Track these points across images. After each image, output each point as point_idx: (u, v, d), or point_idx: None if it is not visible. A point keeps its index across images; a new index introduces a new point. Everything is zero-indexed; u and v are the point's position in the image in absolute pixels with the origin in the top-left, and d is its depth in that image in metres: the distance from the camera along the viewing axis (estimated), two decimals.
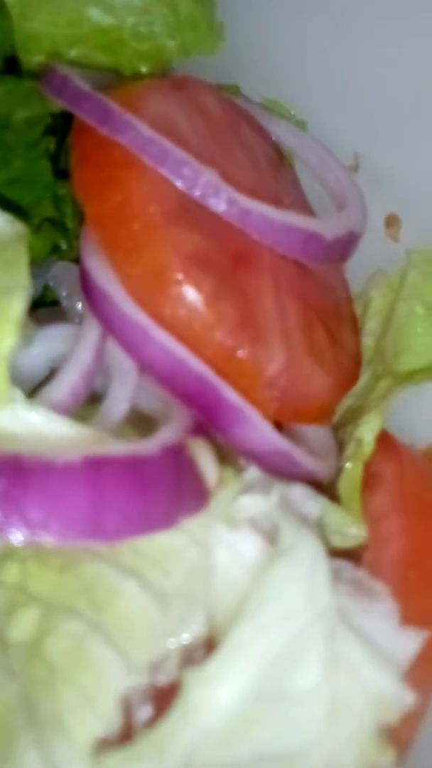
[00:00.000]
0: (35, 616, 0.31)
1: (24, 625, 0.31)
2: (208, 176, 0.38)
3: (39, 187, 0.43)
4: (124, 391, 0.38)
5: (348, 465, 0.43)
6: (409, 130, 0.49)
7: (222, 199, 0.38)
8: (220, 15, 0.52)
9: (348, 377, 0.48)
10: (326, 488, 0.44)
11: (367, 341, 0.52)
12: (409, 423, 0.48)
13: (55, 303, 0.45)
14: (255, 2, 0.53)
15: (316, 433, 0.46)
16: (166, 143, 0.37)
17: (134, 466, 0.28)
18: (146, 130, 0.37)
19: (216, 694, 0.26)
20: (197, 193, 0.38)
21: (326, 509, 0.40)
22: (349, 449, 0.45)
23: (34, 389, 0.39)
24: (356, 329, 0.52)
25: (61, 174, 0.44)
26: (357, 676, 0.30)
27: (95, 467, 0.27)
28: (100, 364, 0.38)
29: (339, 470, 0.45)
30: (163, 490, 0.29)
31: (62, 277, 0.42)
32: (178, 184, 0.38)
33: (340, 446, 0.47)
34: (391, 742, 0.31)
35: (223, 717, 0.26)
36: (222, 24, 0.51)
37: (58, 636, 0.29)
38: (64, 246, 0.43)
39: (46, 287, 0.45)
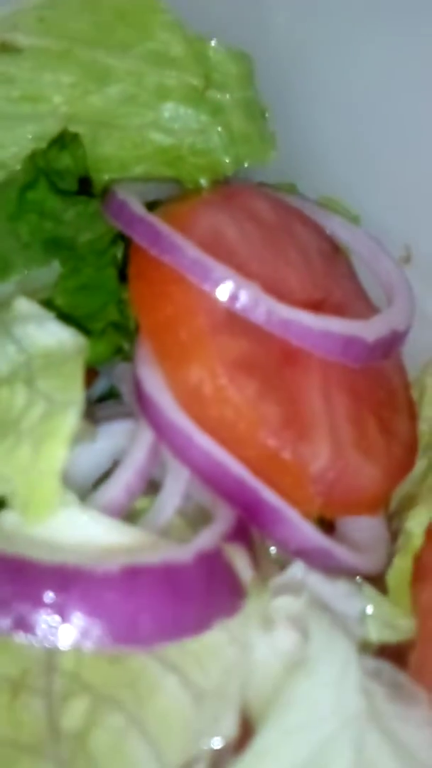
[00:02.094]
0: (86, 706, 0.33)
1: (75, 714, 0.33)
2: (249, 290, 0.41)
3: (105, 293, 0.47)
4: (177, 487, 0.41)
5: (397, 557, 0.44)
6: None
7: (261, 312, 0.41)
8: (276, 122, 0.56)
9: (401, 466, 0.49)
10: (377, 578, 0.44)
11: (424, 427, 0.52)
12: None
13: (118, 398, 0.49)
14: (309, 109, 0.56)
15: (367, 525, 0.47)
16: (209, 262, 0.41)
17: (169, 573, 0.31)
18: (191, 251, 0.41)
19: None
20: (239, 306, 0.41)
21: (374, 601, 0.40)
22: (399, 542, 0.45)
23: (98, 481, 0.42)
24: (413, 415, 0.52)
25: (125, 279, 0.49)
26: None
27: (132, 576, 0.30)
28: (155, 462, 0.41)
29: (391, 560, 0.45)
30: (196, 595, 0.31)
31: (124, 376, 0.46)
32: (221, 299, 0.41)
33: (395, 535, 0.48)
34: None
35: None
36: (273, 134, 0.55)
37: (103, 729, 0.32)
38: (126, 347, 0.48)
39: (111, 385, 0.49)
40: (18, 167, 0.51)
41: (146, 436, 0.41)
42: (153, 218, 0.42)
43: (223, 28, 0.51)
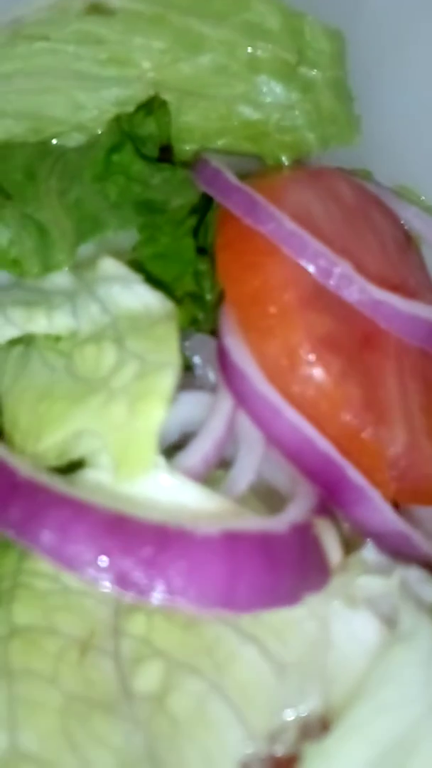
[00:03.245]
0: (160, 670, 0.33)
1: (149, 677, 0.33)
2: (342, 267, 0.41)
3: (182, 262, 0.47)
4: (251, 462, 0.41)
5: None
6: None
7: (354, 290, 0.40)
8: (358, 108, 0.55)
9: None
10: None
11: None
12: None
13: (189, 369, 0.48)
14: (391, 96, 0.55)
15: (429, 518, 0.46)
16: (306, 236, 0.40)
17: (266, 542, 0.30)
18: (288, 223, 0.40)
19: None
20: (332, 282, 0.40)
21: None
22: None
23: (166, 451, 0.42)
24: None
25: (201, 251, 0.48)
26: None
27: (231, 541, 0.30)
28: (230, 434, 0.40)
29: None
30: (291, 566, 0.30)
31: (198, 348, 0.45)
32: (315, 273, 0.40)
33: None
34: None
35: None
36: (359, 117, 0.54)
37: (182, 692, 0.31)
38: (201, 318, 0.47)
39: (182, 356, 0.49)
40: (98, 130, 0.50)
41: (224, 408, 0.41)
42: (249, 188, 0.42)
43: (317, 6, 0.51)
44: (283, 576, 0.30)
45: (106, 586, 0.29)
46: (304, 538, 0.32)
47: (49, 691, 0.33)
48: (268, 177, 0.47)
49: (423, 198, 0.56)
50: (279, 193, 0.43)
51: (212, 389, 0.45)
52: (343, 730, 0.28)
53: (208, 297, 0.47)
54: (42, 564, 0.37)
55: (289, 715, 0.29)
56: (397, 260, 0.51)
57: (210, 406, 0.42)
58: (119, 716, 0.32)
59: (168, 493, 0.33)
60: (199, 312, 0.47)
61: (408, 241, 0.54)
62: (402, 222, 0.54)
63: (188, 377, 0.47)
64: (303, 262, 0.40)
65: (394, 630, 0.31)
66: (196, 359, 0.46)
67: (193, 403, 0.43)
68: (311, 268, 0.40)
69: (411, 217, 0.54)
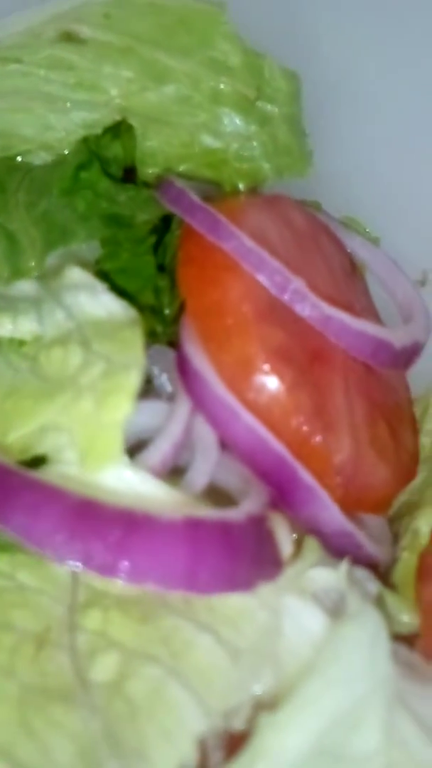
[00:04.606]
0: (116, 660, 0.34)
1: (105, 667, 0.34)
2: (296, 284, 0.44)
3: (142, 278, 0.49)
4: (205, 466, 0.43)
5: (404, 554, 0.46)
6: None
7: (307, 305, 0.43)
8: (310, 143, 0.59)
9: (407, 472, 0.51)
10: (381, 577, 0.46)
11: (425, 441, 0.55)
12: None
13: (147, 380, 0.50)
14: (340, 134, 0.60)
15: (374, 522, 0.49)
16: (264, 254, 0.43)
17: (225, 530, 0.32)
18: (248, 241, 0.43)
19: (285, 742, 0.29)
20: (286, 297, 0.43)
21: (382, 595, 0.42)
22: (405, 540, 0.47)
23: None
24: (415, 429, 0.55)
25: (160, 269, 0.51)
26: (410, 752, 0.32)
27: (193, 527, 0.31)
28: (187, 438, 0.42)
29: (394, 560, 0.47)
30: (248, 554, 0.32)
31: (156, 358, 0.47)
32: (271, 288, 0.43)
33: (395, 538, 0.50)
34: None
35: (288, 766, 0.28)
36: (311, 152, 0.58)
37: (139, 678, 0.32)
38: (159, 331, 0.49)
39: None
40: (64, 150, 0.52)
41: (182, 413, 0.43)
42: (212, 208, 0.44)
43: (275, 47, 0.55)
44: (241, 563, 0.32)
45: (75, 565, 0.31)
46: (259, 529, 0.34)
47: (5, 683, 0.34)
48: (227, 201, 0.50)
49: (368, 230, 0.60)
50: (238, 215, 0.46)
51: (168, 398, 0.47)
52: (294, 704, 0.30)
53: (167, 311, 0.50)
54: None
55: (244, 695, 0.31)
56: (344, 285, 0.54)
57: (166, 414, 0.44)
58: (76, 704, 0.33)
59: (131, 486, 0.34)
60: (158, 325, 0.49)
61: (354, 268, 0.58)
62: (348, 251, 0.58)
63: (146, 387, 0.49)
64: (260, 278, 0.43)
65: (339, 621, 0.33)
66: (155, 369, 0.48)
67: (150, 411, 0.45)
68: (268, 284, 0.43)
69: (357, 247, 0.58)
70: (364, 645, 0.32)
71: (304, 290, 0.44)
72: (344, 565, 0.35)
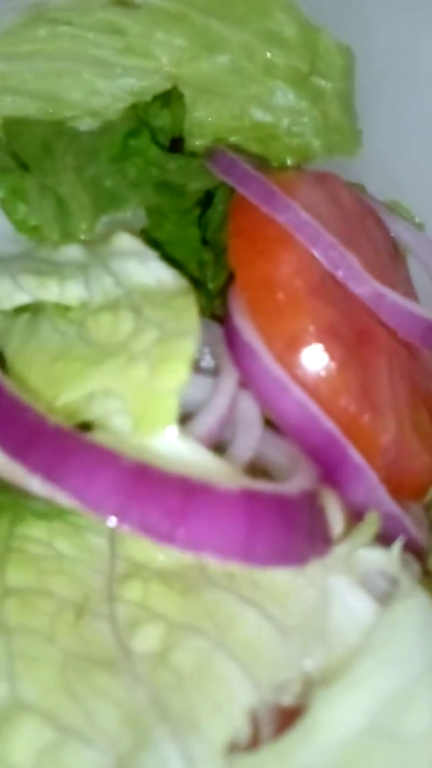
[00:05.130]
0: (159, 631, 0.33)
1: (148, 637, 0.33)
2: (351, 260, 0.43)
3: (187, 250, 0.48)
4: (249, 440, 0.42)
5: None
6: None
7: (361, 282, 0.43)
8: (360, 123, 0.58)
9: None
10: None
11: None
12: None
13: None
14: (390, 115, 0.59)
15: (414, 508, 0.48)
16: (319, 227, 0.42)
17: (281, 503, 0.31)
18: (303, 214, 0.42)
19: (338, 718, 0.28)
20: (340, 273, 0.42)
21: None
22: None
23: None
24: None
25: (204, 242, 0.50)
26: None
27: (250, 498, 0.31)
28: (232, 413, 0.42)
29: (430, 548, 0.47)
30: (302, 529, 0.32)
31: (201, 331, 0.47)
32: (325, 263, 0.42)
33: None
34: None
35: (340, 742, 0.28)
36: (361, 131, 0.57)
37: (184, 649, 0.32)
38: (203, 304, 0.48)
39: None
40: (110, 117, 0.52)
41: (228, 387, 0.42)
42: (265, 179, 0.43)
43: (332, 22, 0.54)
44: (295, 537, 0.31)
45: (130, 530, 0.30)
46: (312, 505, 0.33)
47: (46, 647, 0.33)
48: (278, 174, 0.49)
49: (413, 214, 0.59)
50: (291, 188, 0.45)
51: (212, 373, 0.46)
52: (347, 682, 0.29)
53: (210, 285, 0.49)
54: (35, 529, 0.37)
55: (293, 670, 0.30)
56: (389, 267, 0.53)
57: (210, 389, 0.43)
58: (120, 671, 0.32)
59: (183, 456, 0.34)
60: (202, 298, 0.49)
61: (397, 252, 0.57)
62: (392, 234, 0.57)
63: None
64: (315, 252, 0.42)
65: (391, 602, 0.32)
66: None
67: (194, 385, 0.44)
68: (322, 259, 0.42)
69: (401, 231, 0.57)
70: (415, 626, 0.31)
71: (358, 267, 0.43)
72: (397, 547, 0.34)
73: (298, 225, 0.42)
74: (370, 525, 0.34)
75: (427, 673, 0.31)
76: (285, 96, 0.52)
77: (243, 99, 0.52)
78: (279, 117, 0.52)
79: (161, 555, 0.35)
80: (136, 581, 0.35)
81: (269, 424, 0.42)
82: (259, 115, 0.52)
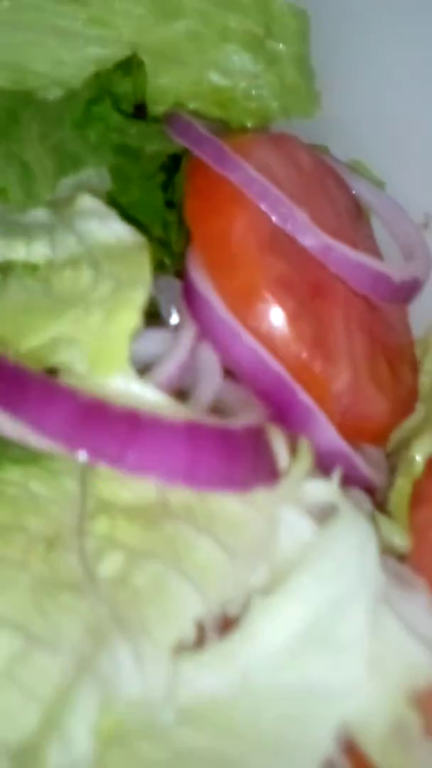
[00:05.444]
0: (121, 558, 0.36)
1: (111, 564, 0.36)
2: (299, 215, 0.45)
3: (152, 212, 0.51)
4: (209, 388, 0.44)
5: (399, 481, 0.48)
6: None
7: (309, 235, 0.45)
8: (318, 85, 0.60)
9: (405, 408, 0.53)
10: (377, 504, 0.48)
11: (425, 380, 0.57)
12: None
13: (154, 314, 0.52)
14: (348, 76, 0.60)
15: (372, 452, 0.51)
16: (268, 184, 0.44)
17: (223, 435, 0.34)
18: (252, 172, 0.44)
19: (275, 623, 0.31)
20: (288, 227, 0.45)
21: (375, 519, 0.44)
22: (401, 469, 0.49)
23: None
24: (415, 369, 0.57)
25: (170, 205, 0.52)
26: (393, 644, 0.34)
27: (193, 430, 0.33)
28: (192, 363, 0.44)
29: (389, 489, 0.49)
30: (244, 459, 0.35)
31: (164, 288, 0.49)
32: (274, 218, 0.44)
33: (393, 471, 0.52)
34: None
35: (278, 645, 0.31)
36: (319, 93, 0.59)
37: (142, 572, 0.35)
38: (167, 262, 0.51)
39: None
40: (76, 86, 0.53)
41: (187, 338, 0.44)
42: (218, 139, 0.46)
43: None
44: (237, 465, 0.34)
45: (82, 455, 0.33)
46: (256, 439, 0.36)
47: (19, 574, 0.36)
48: (234, 136, 0.51)
49: (374, 173, 0.61)
50: (244, 149, 0.47)
51: (174, 328, 0.48)
52: (285, 593, 0.32)
53: (175, 246, 0.51)
54: (11, 474, 0.40)
55: (239, 587, 0.33)
56: (349, 226, 0.55)
57: (172, 342, 0.46)
58: (85, 593, 0.35)
59: (137, 396, 0.36)
60: (166, 257, 0.51)
61: (359, 212, 0.59)
62: (354, 194, 0.59)
63: (154, 316, 0.51)
64: (264, 207, 0.44)
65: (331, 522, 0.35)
66: (162, 299, 0.50)
67: (157, 339, 0.47)
68: (271, 213, 0.44)
69: (363, 190, 0.59)
70: (353, 546, 0.34)
71: (306, 220, 0.45)
72: (336, 476, 0.37)
73: (247, 182, 0.44)
74: (305, 453, 0.36)
75: (362, 588, 0.33)
76: (241, 60, 0.54)
77: (201, 64, 0.53)
78: (236, 81, 0.54)
79: (127, 493, 0.38)
80: (103, 517, 0.38)
81: (226, 372, 0.45)
82: (217, 79, 0.54)
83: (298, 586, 0.32)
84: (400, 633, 0.35)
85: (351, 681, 0.32)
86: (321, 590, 0.32)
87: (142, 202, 0.51)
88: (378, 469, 0.49)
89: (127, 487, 0.38)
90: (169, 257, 0.51)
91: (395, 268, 0.49)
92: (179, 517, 0.38)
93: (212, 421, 0.35)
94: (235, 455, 0.34)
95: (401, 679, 0.33)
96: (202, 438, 0.33)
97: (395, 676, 0.33)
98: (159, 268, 0.51)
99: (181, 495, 0.38)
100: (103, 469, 0.37)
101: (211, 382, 0.44)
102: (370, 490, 0.47)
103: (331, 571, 0.33)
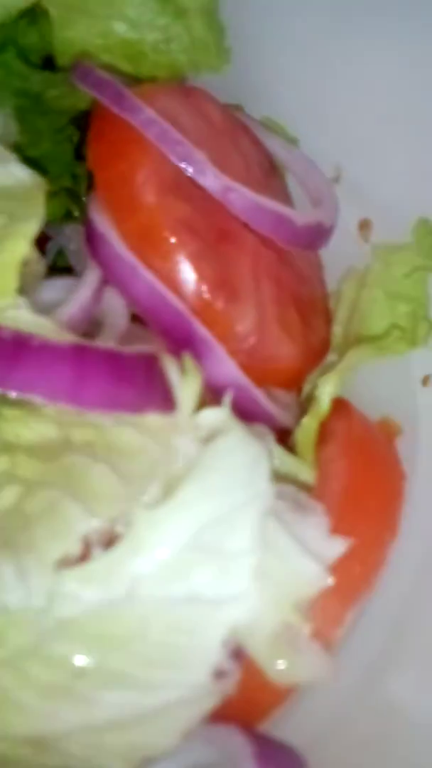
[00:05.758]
0: (18, 490, 0.37)
1: (8, 496, 0.36)
2: (198, 156, 0.46)
3: (62, 164, 0.51)
4: (114, 330, 0.45)
5: (304, 420, 0.49)
6: (381, 147, 0.57)
7: (208, 175, 0.46)
8: (231, 42, 0.61)
9: (316, 355, 0.54)
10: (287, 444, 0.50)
11: (337, 329, 0.58)
12: (362, 399, 0.54)
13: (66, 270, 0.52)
14: (259, 38, 0.61)
15: (282, 395, 0.52)
16: (166, 125, 0.45)
17: (113, 358, 0.35)
18: (151, 113, 0.45)
19: (160, 535, 0.32)
20: (188, 168, 0.45)
21: (281, 456, 0.45)
22: (308, 409, 0.51)
23: None
24: (328, 321, 0.58)
25: (80, 158, 0.52)
26: (283, 557, 0.36)
27: (80, 351, 0.34)
28: (97, 304, 0.45)
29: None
30: (134, 382, 0.35)
31: (72, 236, 0.50)
32: (173, 159, 0.45)
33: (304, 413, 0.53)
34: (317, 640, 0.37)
35: (164, 557, 0.32)
36: (229, 49, 0.59)
37: (36, 499, 0.35)
38: (76, 213, 0.51)
39: (59, 254, 0.53)
40: None
41: (91, 279, 0.45)
42: (118, 82, 0.46)
43: None
44: (126, 388, 0.35)
45: None
46: (148, 365, 0.36)
47: None
48: (140, 85, 0.51)
49: (287, 130, 0.62)
50: (147, 95, 0.48)
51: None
52: (170, 505, 0.33)
53: (84, 197, 0.52)
54: None
55: (129, 504, 0.34)
56: (262, 181, 0.56)
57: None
58: None
59: (27, 323, 0.37)
60: (74, 207, 0.51)
61: (273, 168, 0.60)
62: (268, 151, 0.60)
63: (63, 264, 0.51)
64: (163, 148, 0.45)
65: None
66: (71, 246, 0.50)
67: (60, 286, 0.47)
68: (171, 155, 0.45)
69: (276, 147, 0.60)
70: (242, 463, 0.35)
71: (205, 161, 0.46)
72: (227, 401, 0.37)
73: (146, 124, 0.44)
74: (192, 374, 0.37)
75: (250, 503, 0.34)
76: (148, 12, 0.54)
77: (108, 16, 0.53)
78: (143, 33, 0.54)
79: (29, 433, 0.39)
80: (4, 456, 0.39)
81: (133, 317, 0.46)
82: (124, 31, 0.54)
83: (183, 499, 0.33)
84: (290, 548, 0.36)
85: (238, 591, 0.33)
86: (206, 503, 0.33)
87: (52, 154, 0.51)
88: (286, 410, 0.50)
89: (30, 428, 0.38)
90: (78, 208, 0.51)
91: (298, 213, 0.50)
92: (78, 451, 0.38)
93: (102, 345, 0.35)
94: (124, 378, 0.35)
95: (289, 589, 0.35)
96: (88, 359, 0.34)
97: (283, 586, 0.34)
98: (68, 217, 0.52)
99: (82, 431, 0.39)
100: (7, 411, 0.37)
101: (116, 324, 0.45)
102: (278, 429, 0.48)
103: (218, 485, 0.34)
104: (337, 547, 0.38)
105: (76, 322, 0.43)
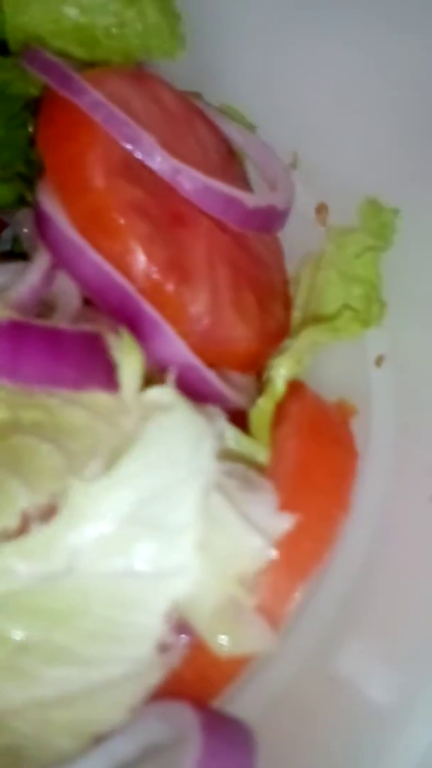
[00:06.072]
0: None
1: None
2: (147, 138, 0.46)
3: (15, 149, 0.51)
4: (65, 314, 0.45)
5: (259, 401, 0.49)
6: (336, 133, 0.58)
7: (156, 158, 0.46)
8: (190, 30, 0.61)
9: (273, 337, 0.55)
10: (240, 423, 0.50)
11: (296, 314, 0.59)
12: (319, 381, 0.55)
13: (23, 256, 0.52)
14: (219, 23, 0.61)
15: (237, 377, 0.52)
16: (113, 108, 0.45)
17: (52, 335, 0.35)
18: (98, 95, 0.45)
19: (99, 508, 0.32)
20: (136, 151, 0.45)
21: (235, 437, 0.46)
22: (263, 391, 0.51)
23: None
24: (288, 305, 0.58)
25: (34, 144, 0.52)
26: (227, 531, 0.36)
27: (18, 328, 0.34)
28: (47, 286, 0.45)
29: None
30: (74, 359, 0.35)
31: (24, 220, 0.50)
32: (120, 141, 0.45)
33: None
34: (266, 615, 0.37)
35: (103, 530, 0.32)
36: (185, 35, 0.60)
37: None
38: (29, 198, 0.51)
39: (14, 240, 0.53)
40: None
41: (41, 261, 0.45)
42: (65, 64, 0.46)
43: None
44: (66, 364, 0.35)
45: None
46: (90, 342, 0.36)
47: None
48: (91, 69, 0.51)
49: (245, 116, 0.63)
50: (96, 78, 0.48)
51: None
52: (112, 478, 0.33)
53: (37, 181, 0.52)
54: None
55: (69, 480, 0.34)
56: (217, 168, 0.56)
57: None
58: None
59: None
60: (28, 192, 0.51)
61: (231, 154, 0.60)
62: (226, 137, 0.60)
63: (16, 248, 0.51)
64: (110, 130, 0.45)
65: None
66: (24, 231, 0.50)
67: (10, 270, 0.47)
68: (118, 137, 0.45)
69: (234, 134, 0.60)
70: (184, 438, 0.35)
71: (153, 144, 0.46)
72: (171, 376, 0.37)
73: (93, 106, 0.45)
74: (131, 349, 0.37)
75: (192, 478, 0.35)
76: None
77: (60, 2, 0.53)
78: (95, 18, 0.54)
79: None
80: None
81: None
82: (76, 16, 0.54)
83: (123, 473, 0.33)
84: (235, 523, 0.36)
85: (179, 564, 0.33)
86: (147, 477, 0.33)
87: (5, 140, 0.51)
88: (242, 392, 0.50)
89: None
90: (31, 192, 0.51)
91: (249, 195, 0.51)
92: (27, 431, 0.38)
93: (41, 322, 0.35)
94: (63, 355, 0.35)
95: (232, 563, 0.35)
96: (26, 335, 0.34)
97: (226, 560, 0.35)
98: (21, 202, 0.52)
99: (31, 413, 0.39)
100: None
101: (68, 306, 0.45)
102: (232, 410, 0.48)
103: (159, 460, 0.34)
104: (283, 522, 0.38)
105: (25, 303, 0.43)
